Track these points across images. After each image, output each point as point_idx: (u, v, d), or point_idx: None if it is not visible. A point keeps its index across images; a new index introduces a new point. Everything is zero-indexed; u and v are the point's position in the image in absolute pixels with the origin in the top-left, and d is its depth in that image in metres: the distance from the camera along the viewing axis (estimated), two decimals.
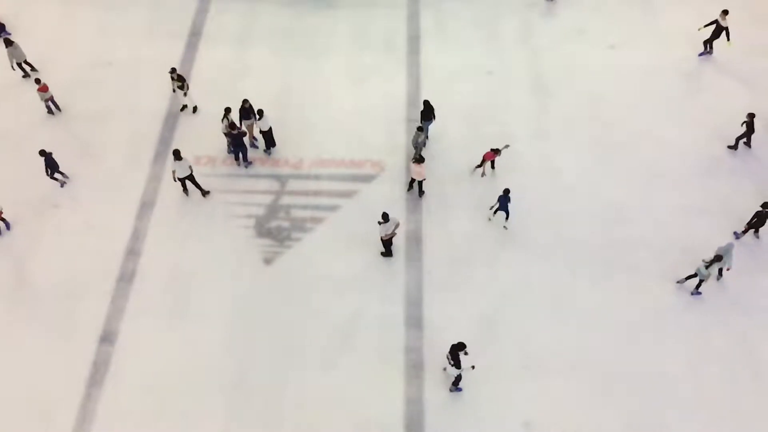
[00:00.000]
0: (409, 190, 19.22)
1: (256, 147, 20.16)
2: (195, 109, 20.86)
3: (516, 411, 15.54)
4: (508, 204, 17.77)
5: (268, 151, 20.07)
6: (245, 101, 19.44)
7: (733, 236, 18.18)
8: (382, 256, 17.89)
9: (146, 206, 18.93)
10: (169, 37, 23.19)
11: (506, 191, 17.63)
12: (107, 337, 16.61)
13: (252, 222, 18.72)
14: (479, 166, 19.16)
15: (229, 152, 20.05)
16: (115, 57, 22.61)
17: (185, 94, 20.50)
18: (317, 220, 18.74)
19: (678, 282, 17.37)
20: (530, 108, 21.26)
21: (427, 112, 19.40)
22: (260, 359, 16.28)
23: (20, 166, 19.80)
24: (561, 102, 21.38)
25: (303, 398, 15.72)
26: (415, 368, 16.16)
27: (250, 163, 19.81)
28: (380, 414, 15.49)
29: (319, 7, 24.14)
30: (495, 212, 18.20)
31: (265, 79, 21.60)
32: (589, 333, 16.67)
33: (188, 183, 18.88)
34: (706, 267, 16.46)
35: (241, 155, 19.58)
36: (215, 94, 21.30)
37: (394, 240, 17.87)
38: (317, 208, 19.00)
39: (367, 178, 19.61)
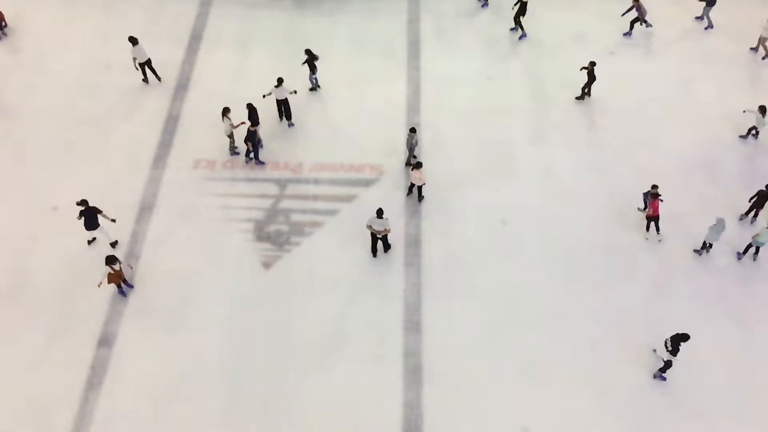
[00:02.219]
0: (408, 194, 19.24)
1: (261, 147, 20.18)
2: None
3: (514, 417, 15.51)
4: None
5: (290, 121, 20.63)
6: (250, 105, 19.47)
7: (738, 220, 18.47)
8: (373, 256, 17.92)
9: (145, 209, 18.93)
10: (169, 41, 23.23)
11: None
12: (105, 341, 16.58)
13: (251, 226, 18.72)
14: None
15: (231, 154, 20.06)
16: (114, 60, 22.64)
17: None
18: (316, 225, 18.74)
19: (695, 251, 17.92)
20: (529, 113, 21.30)
21: None
22: (259, 363, 16.27)
23: (16, 166, 19.83)
24: (560, 107, 21.43)
25: (301, 402, 15.69)
26: (413, 373, 16.16)
27: (263, 163, 19.87)
28: (378, 419, 15.46)
29: (319, 12, 24.19)
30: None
31: (265, 83, 21.59)
32: (588, 339, 16.68)
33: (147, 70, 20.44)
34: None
35: (253, 154, 19.67)
36: (215, 97, 21.32)
37: (391, 244, 17.89)
38: (317, 212, 19.01)
39: (367, 183, 19.63)
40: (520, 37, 23.24)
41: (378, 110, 21.25)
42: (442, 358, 16.34)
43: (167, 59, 22.58)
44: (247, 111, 19.59)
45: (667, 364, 15.61)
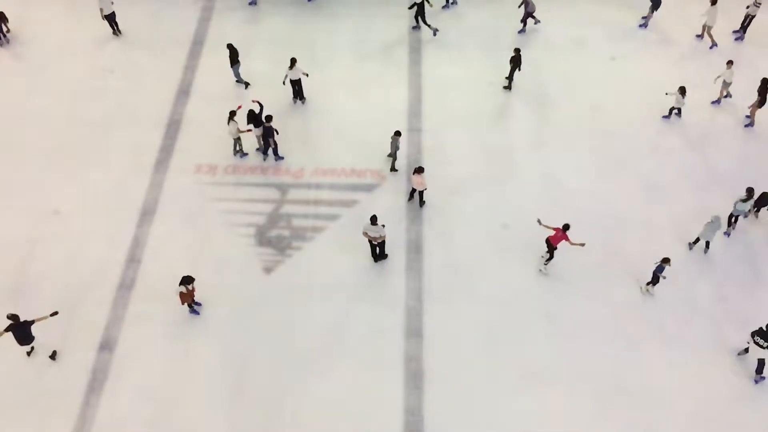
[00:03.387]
0: (409, 200, 19.26)
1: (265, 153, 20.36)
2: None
3: (515, 422, 15.49)
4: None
5: (303, 100, 21.52)
6: (251, 111, 19.52)
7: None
8: (374, 262, 17.94)
9: (147, 214, 18.95)
10: (171, 45, 23.30)
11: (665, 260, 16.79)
12: (106, 345, 16.57)
13: (252, 231, 18.73)
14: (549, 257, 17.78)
15: (234, 154, 20.13)
16: (117, 65, 22.70)
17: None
18: (318, 230, 18.75)
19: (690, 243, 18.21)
20: (530, 118, 21.34)
21: None
22: (260, 368, 16.25)
23: (18, 170, 19.85)
24: (561, 113, 21.47)
25: (303, 408, 15.67)
26: (414, 378, 16.14)
27: (282, 158, 20.07)
28: (380, 424, 15.44)
29: (320, 18, 24.25)
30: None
31: (266, 87, 21.66)
32: (588, 345, 16.66)
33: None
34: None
35: (271, 150, 19.87)
36: (217, 102, 21.37)
37: (391, 250, 17.90)
38: (318, 217, 19.02)
39: (368, 188, 19.64)
40: (434, 33, 23.53)
41: (379, 115, 21.28)
42: (444, 363, 16.33)
43: (169, 64, 22.63)
44: (247, 118, 19.62)
45: (762, 365, 15.70)
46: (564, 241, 17.00)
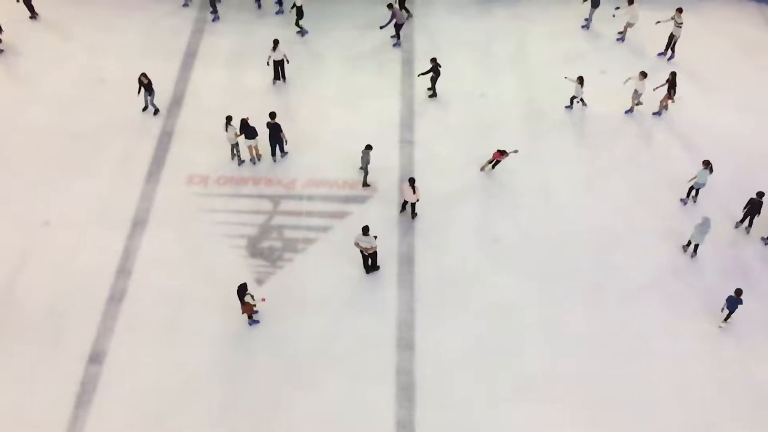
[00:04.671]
0: (401, 211, 19.25)
1: (256, 162, 20.40)
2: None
3: None
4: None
5: (284, 80, 22.49)
6: (245, 120, 19.54)
7: (734, 227, 18.91)
8: (366, 273, 17.89)
9: (138, 225, 18.85)
10: (164, 57, 23.29)
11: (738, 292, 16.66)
12: (96, 357, 16.42)
13: (244, 242, 18.66)
14: (489, 162, 19.89)
15: (232, 159, 20.19)
16: (108, 75, 22.68)
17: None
18: (309, 241, 18.71)
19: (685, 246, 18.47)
20: (523, 131, 21.43)
21: None
22: (250, 380, 16.14)
23: (7, 181, 19.74)
24: (553, 125, 21.56)
25: (294, 420, 15.55)
26: (406, 391, 16.06)
27: (286, 153, 20.39)
28: None
29: (313, 30, 24.32)
30: None
31: (258, 100, 21.68)
32: (581, 357, 16.65)
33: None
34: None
35: (278, 147, 20.11)
36: (209, 113, 21.35)
37: (383, 262, 17.87)
38: (309, 228, 18.98)
39: (360, 200, 19.63)
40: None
41: (371, 127, 21.31)
42: (435, 376, 16.26)
43: (162, 75, 22.61)
44: (239, 128, 19.63)
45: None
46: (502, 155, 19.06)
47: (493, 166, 20.06)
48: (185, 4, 24.94)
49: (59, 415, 15.53)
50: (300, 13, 23.72)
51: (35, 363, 16.25)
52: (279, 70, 22.33)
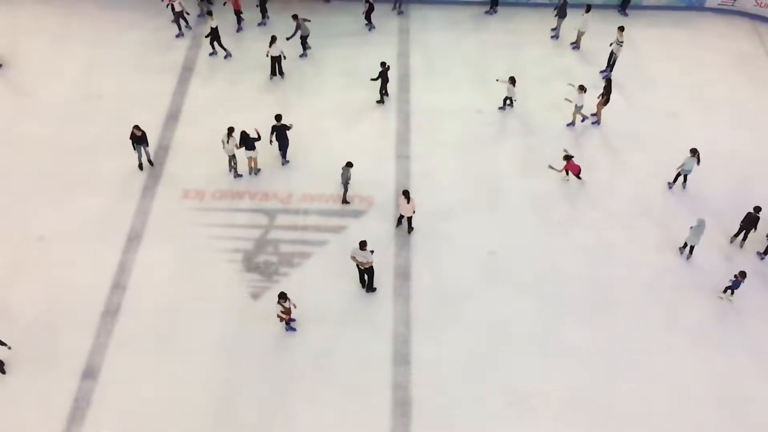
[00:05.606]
0: (397, 225, 19.25)
1: (254, 174, 20.50)
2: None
3: None
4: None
5: (282, 75, 23.24)
6: (245, 132, 19.57)
7: (729, 241, 19.03)
8: (362, 287, 17.86)
9: (133, 240, 18.82)
10: (160, 72, 23.37)
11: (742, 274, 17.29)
12: (90, 372, 16.32)
13: (240, 256, 18.63)
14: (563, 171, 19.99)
15: (230, 171, 20.24)
16: (105, 91, 22.73)
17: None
18: (305, 256, 18.68)
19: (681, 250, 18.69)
20: (518, 145, 21.49)
21: None
22: (246, 395, 16.04)
23: (3, 195, 19.72)
24: (548, 140, 21.63)
25: None
26: (402, 405, 15.98)
27: (287, 161, 20.72)
28: None
29: (311, 45, 24.42)
30: None
31: (255, 114, 21.70)
32: (577, 371, 16.59)
33: None
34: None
35: (282, 149, 20.36)
36: (205, 128, 21.40)
37: (380, 274, 17.85)
38: (305, 243, 18.96)
39: (356, 214, 19.64)
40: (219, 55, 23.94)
41: (367, 142, 21.37)
42: (431, 390, 16.19)
43: (158, 90, 22.68)
44: (239, 141, 19.69)
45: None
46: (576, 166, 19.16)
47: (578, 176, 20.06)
48: (179, 35, 24.52)
49: (52, 430, 15.39)
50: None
51: (29, 378, 16.14)
52: (276, 66, 22.83)
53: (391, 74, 23.45)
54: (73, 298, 17.57)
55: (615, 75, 23.40)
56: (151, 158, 20.35)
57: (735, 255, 18.88)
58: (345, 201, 19.70)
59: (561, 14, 24.54)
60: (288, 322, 16.88)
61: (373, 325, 17.30)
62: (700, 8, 26.17)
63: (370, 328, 17.25)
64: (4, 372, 16.09)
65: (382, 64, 21.68)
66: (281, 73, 23.14)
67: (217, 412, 15.76)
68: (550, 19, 25.34)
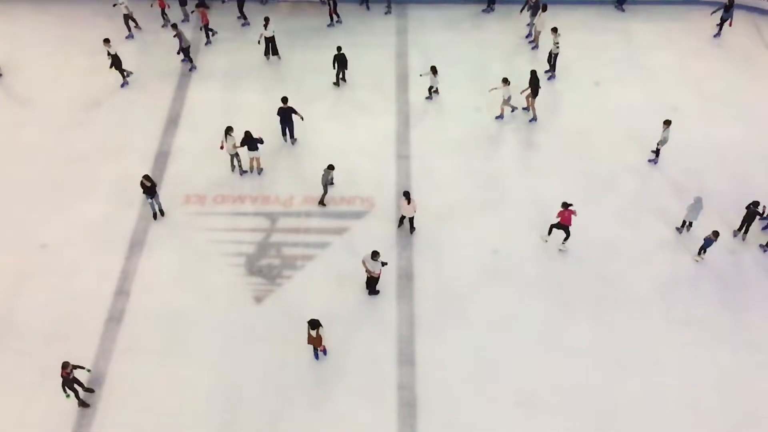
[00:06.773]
0: (399, 226, 19.24)
1: (258, 173, 20.53)
2: None
3: None
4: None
5: (278, 55, 23.92)
6: (248, 132, 19.60)
7: (732, 235, 19.03)
8: (368, 294, 17.82)
9: (136, 246, 18.82)
10: (159, 78, 23.39)
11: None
12: (95, 380, 16.31)
13: (242, 260, 18.63)
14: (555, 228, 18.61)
15: (232, 170, 20.31)
16: (105, 97, 22.74)
17: None
18: (308, 258, 18.68)
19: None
20: (518, 144, 21.47)
21: None
22: (250, 399, 16.04)
23: (5, 203, 19.72)
24: (548, 138, 21.61)
25: None
26: (407, 407, 15.96)
27: (296, 139, 21.27)
28: None
29: (308, 48, 24.45)
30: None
31: (255, 117, 21.74)
32: (583, 369, 16.56)
33: None
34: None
35: (288, 131, 20.93)
36: (205, 133, 21.41)
37: (383, 276, 17.83)
38: (308, 245, 18.96)
39: (358, 215, 19.63)
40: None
41: (368, 143, 21.37)
42: (437, 391, 16.18)
43: (157, 96, 22.69)
44: (241, 141, 19.73)
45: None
46: (572, 216, 18.01)
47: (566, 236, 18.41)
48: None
49: None
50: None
51: (34, 384, 16.14)
52: (270, 45, 23.58)
53: (391, 74, 23.49)
54: (76, 305, 17.58)
55: (615, 72, 23.42)
56: (162, 208, 19.41)
57: (739, 248, 18.85)
58: (322, 203, 19.64)
59: (534, 13, 24.33)
60: (316, 348, 16.39)
61: (377, 326, 17.29)
62: (698, 1, 26.13)
63: (374, 329, 17.23)
64: (93, 391, 16.11)
65: (338, 48, 22.28)
66: (277, 53, 23.75)
67: (222, 416, 15.76)
68: (549, 15, 25.29)
